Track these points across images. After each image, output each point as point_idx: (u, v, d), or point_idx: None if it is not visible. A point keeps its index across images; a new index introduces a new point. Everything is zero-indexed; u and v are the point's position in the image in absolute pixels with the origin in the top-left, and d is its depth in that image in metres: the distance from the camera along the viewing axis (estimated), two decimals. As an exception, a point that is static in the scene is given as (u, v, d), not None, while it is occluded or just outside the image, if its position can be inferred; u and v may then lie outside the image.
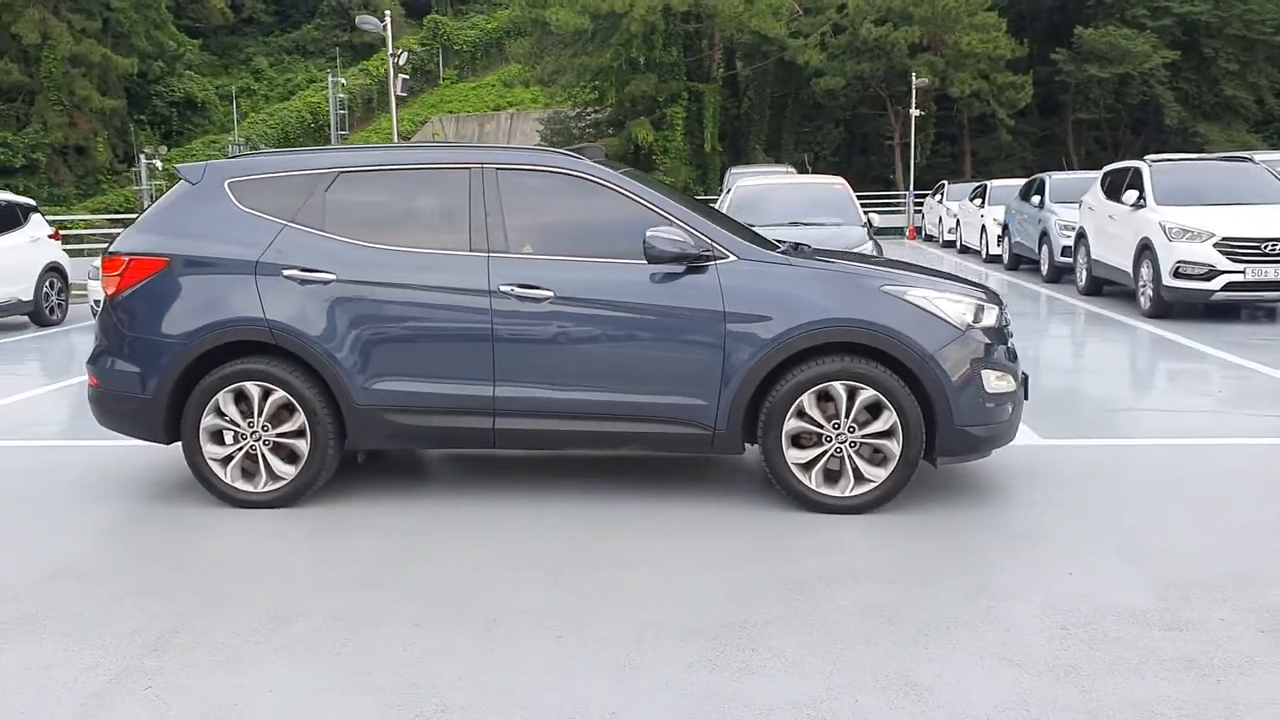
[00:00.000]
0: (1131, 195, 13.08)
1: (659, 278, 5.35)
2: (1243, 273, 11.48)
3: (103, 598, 4.48)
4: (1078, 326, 12.71)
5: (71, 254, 17.14)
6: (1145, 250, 12.39)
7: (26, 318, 13.97)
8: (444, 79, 66.20)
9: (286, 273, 5.49)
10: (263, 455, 5.56)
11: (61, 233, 16.34)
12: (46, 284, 13.70)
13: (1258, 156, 15.04)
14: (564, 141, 41.84)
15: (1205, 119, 39.25)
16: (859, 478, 5.33)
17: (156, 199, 6.30)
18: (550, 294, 5.36)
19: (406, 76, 27.22)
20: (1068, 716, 3.36)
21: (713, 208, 6.59)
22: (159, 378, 5.53)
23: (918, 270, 5.98)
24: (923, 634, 3.99)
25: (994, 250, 20.54)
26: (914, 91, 34.18)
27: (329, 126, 58.18)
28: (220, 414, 5.54)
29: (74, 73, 51.12)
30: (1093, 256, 14.35)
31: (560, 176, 5.58)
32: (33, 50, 50.46)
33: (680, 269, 5.34)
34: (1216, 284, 11.60)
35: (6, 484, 6.36)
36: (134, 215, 31.02)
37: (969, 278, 6.28)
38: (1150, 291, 12.26)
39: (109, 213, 44.02)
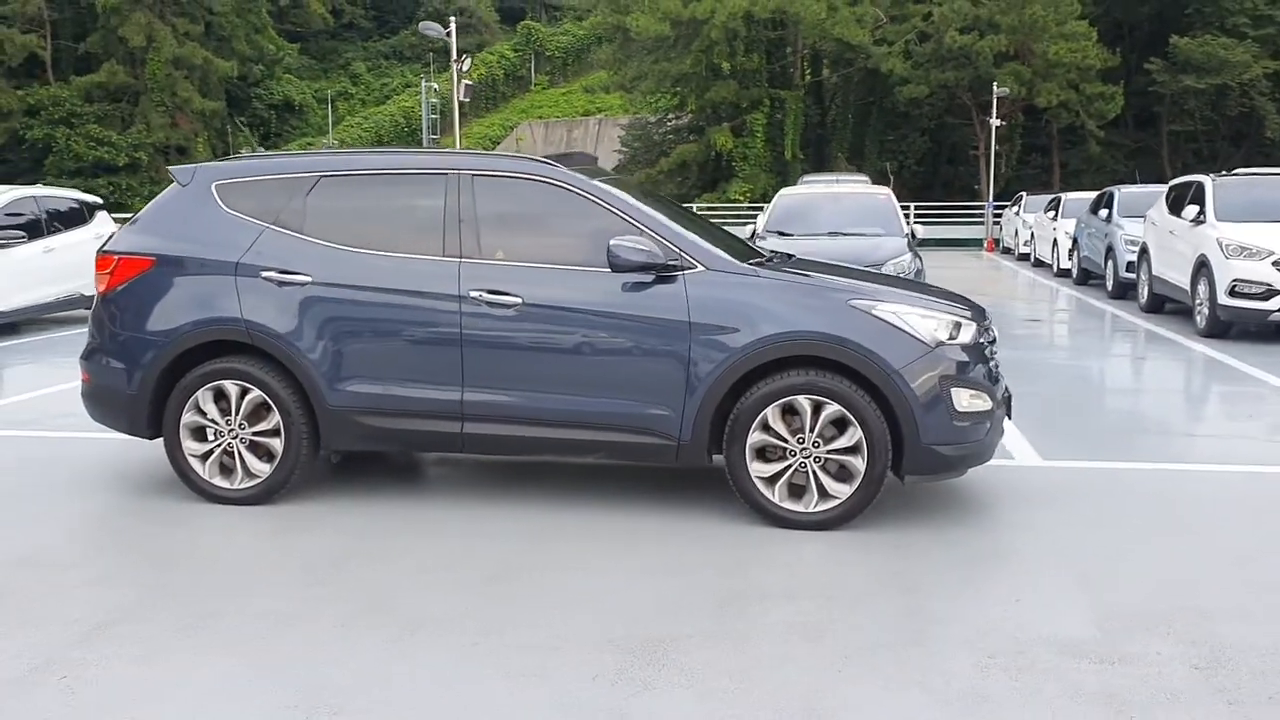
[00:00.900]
0: (1192, 210, 12.66)
1: (627, 286, 5.33)
2: (1302, 293, 11.05)
3: (56, 586, 4.61)
4: (1125, 344, 12.34)
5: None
6: (1202, 267, 11.99)
7: (88, 312, 14.41)
8: (535, 84, 66.96)
9: (265, 274, 5.59)
10: (239, 453, 5.66)
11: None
12: (110, 280, 14.08)
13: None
14: (644, 148, 42.01)
15: (1308, 131, 37.84)
16: (823, 493, 5.24)
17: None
18: (518, 300, 5.38)
19: (470, 83, 27.50)
20: (955, 748, 3.27)
21: (698, 218, 6.52)
22: (143, 374, 5.68)
23: (901, 285, 5.86)
24: (843, 656, 3.90)
25: (1064, 264, 20.07)
26: (995, 101, 33.52)
27: (421, 130, 59.28)
28: (200, 411, 5.66)
29: (176, 75, 52.79)
30: (1154, 273, 13.93)
31: (535, 184, 5.59)
32: (138, 53, 52.27)
33: (649, 278, 5.32)
34: (1274, 304, 11.18)
35: (18, 472, 6.56)
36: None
37: (960, 295, 6.13)
38: (1206, 310, 11.86)
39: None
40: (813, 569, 4.82)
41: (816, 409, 5.19)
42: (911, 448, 5.16)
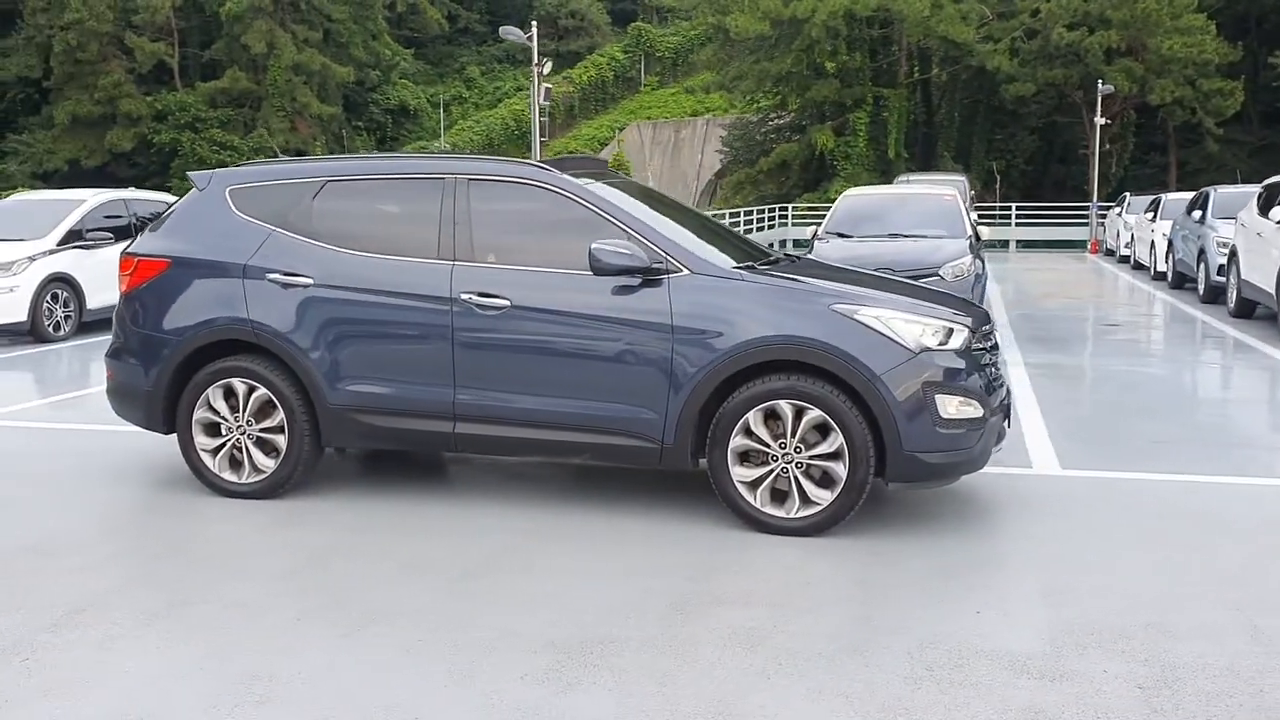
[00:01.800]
0: (1278, 212, 12.12)
1: (614, 290, 5.37)
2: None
3: (49, 571, 4.85)
4: (1200, 350, 11.90)
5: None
6: (1287, 271, 11.48)
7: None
8: (645, 85, 67.21)
9: (270, 276, 5.77)
10: (246, 449, 5.86)
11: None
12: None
13: None
14: (744, 146, 41.82)
15: None
16: (805, 499, 5.20)
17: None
18: (507, 302, 5.46)
19: (550, 87, 27.76)
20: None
21: (708, 221, 6.52)
22: (158, 371, 5.92)
23: (899, 290, 5.77)
24: (775, 663, 3.89)
25: (1161, 267, 19.39)
26: (1099, 99, 32.48)
27: (531, 132, 60.06)
28: (211, 408, 5.88)
29: (296, 80, 54.45)
30: (1242, 276, 13.38)
31: (528, 188, 5.67)
32: (260, 59, 54.04)
33: (635, 281, 5.35)
34: (1359, 310, 10.64)
35: (56, 462, 6.89)
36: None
37: (965, 300, 6.03)
38: (1289, 316, 11.35)
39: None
40: (780, 575, 4.80)
41: (798, 414, 5.15)
42: (894, 454, 5.09)
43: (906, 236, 11.38)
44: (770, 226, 34.74)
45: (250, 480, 5.87)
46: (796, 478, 5.19)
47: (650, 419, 5.32)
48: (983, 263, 11.54)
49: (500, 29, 25.54)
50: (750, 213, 29.96)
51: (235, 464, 5.91)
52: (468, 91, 70.37)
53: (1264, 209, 13.02)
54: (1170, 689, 3.67)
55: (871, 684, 3.72)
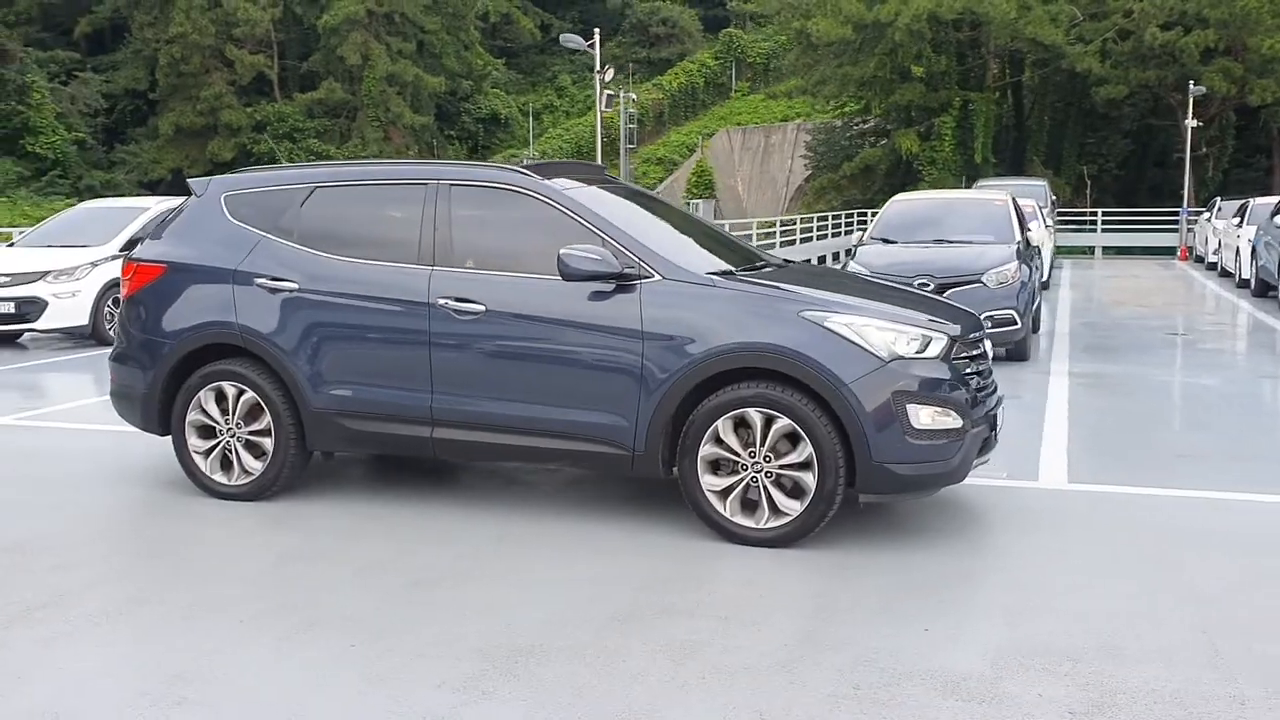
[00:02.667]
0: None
1: (588, 295, 5.32)
2: None
3: (21, 570, 4.96)
4: (1262, 362, 11.36)
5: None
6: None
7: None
8: (736, 91, 67.05)
9: (258, 281, 5.85)
10: (236, 451, 5.95)
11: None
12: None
13: None
14: (828, 151, 41.40)
15: None
16: (775, 510, 5.09)
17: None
18: (482, 308, 5.45)
19: (612, 93, 27.79)
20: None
21: (702, 225, 6.44)
22: (153, 374, 6.04)
23: (882, 296, 5.62)
24: (700, 678, 3.80)
25: (1245, 274, 18.64)
26: (1190, 101, 31.37)
27: (619, 140, 60.37)
28: (203, 410, 5.97)
29: (389, 91, 55.50)
30: (1319, 284, 12.80)
31: (506, 192, 5.66)
32: (355, 70, 55.23)
33: (608, 287, 5.30)
34: None
35: (69, 462, 7.07)
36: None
37: (959, 308, 5.84)
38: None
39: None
40: (737, 587, 4.70)
41: (768, 422, 5.05)
42: (863, 465, 4.96)
43: (950, 243, 11.13)
44: (849, 231, 34.25)
45: (239, 482, 5.96)
46: (766, 487, 5.09)
47: (622, 426, 5.26)
48: (1031, 269, 11.23)
49: (560, 36, 25.66)
50: (824, 218, 29.59)
51: (226, 466, 6.00)
52: (559, 99, 70.94)
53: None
54: (1104, 715, 3.50)
55: (791, 702, 3.61)
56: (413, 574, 4.87)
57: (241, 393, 5.90)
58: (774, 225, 28.50)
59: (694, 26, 72.03)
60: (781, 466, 5.06)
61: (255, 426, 5.91)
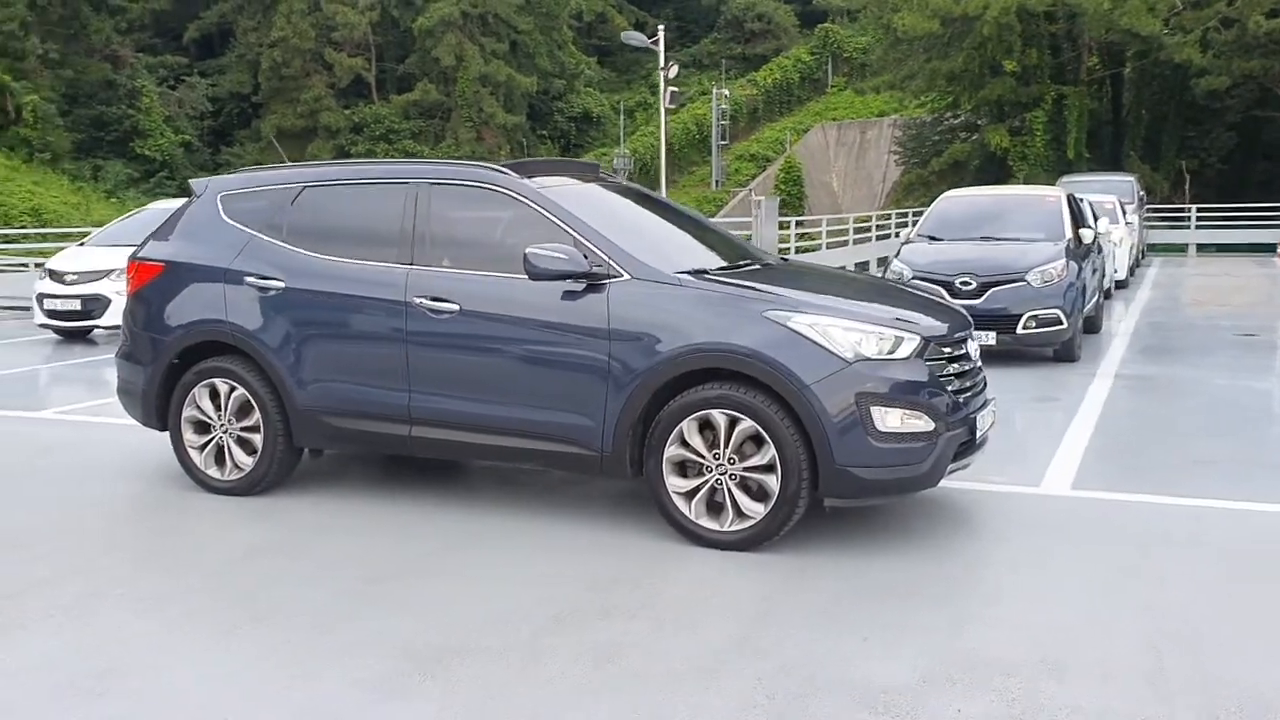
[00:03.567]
0: None
1: (560, 295, 5.30)
2: None
3: (9, 560, 5.12)
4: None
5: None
6: None
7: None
8: (832, 86, 66.36)
9: (248, 279, 5.96)
10: (228, 446, 6.07)
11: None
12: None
13: None
14: (917, 146, 40.67)
15: None
16: (739, 512, 5.00)
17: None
18: (456, 307, 5.47)
19: (676, 90, 27.66)
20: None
21: (697, 221, 6.38)
22: (151, 370, 6.20)
23: (862, 294, 5.49)
24: (616, 681, 3.75)
25: (1336, 272, 17.82)
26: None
27: (712, 136, 60.20)
28: (198, 407, 6.11)
29: (483, 91, 56.19)
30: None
31: (484, 191, 5.66)
32: (449, 71, 56.05)
33: (579, 286, 5.27)
34: None
35: (84, 453, 7.29)
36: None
37: (950, 306, 5.69)
38: None
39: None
40: (686, 589, 4.64)
41: (732, 424, 4.97)
42: (826, 468, 4.84)
43: (996, 240, 10.85)
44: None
45: (231, 477, 6.07)
46: (730, 490, 5.01)
47: (589, 426, 5.23)
48: (1083, 267, 10.87)
49: (622, 34, 25.66)
50: (904, 214, 29.04)
51: (219, 461, 6.12)
52: (652, 97, 70.99)
53: None
54: (1017, 734, 3.36)
55: (698, 709, 3.55)
56: (371, 569, 4.91)
57: (233, 389, 6.01)
58: (869, 221, 28.13)
59: (790, 22, 71.44)
60: (746, 469, 4.97)
61: (246, 423, 6.02)
